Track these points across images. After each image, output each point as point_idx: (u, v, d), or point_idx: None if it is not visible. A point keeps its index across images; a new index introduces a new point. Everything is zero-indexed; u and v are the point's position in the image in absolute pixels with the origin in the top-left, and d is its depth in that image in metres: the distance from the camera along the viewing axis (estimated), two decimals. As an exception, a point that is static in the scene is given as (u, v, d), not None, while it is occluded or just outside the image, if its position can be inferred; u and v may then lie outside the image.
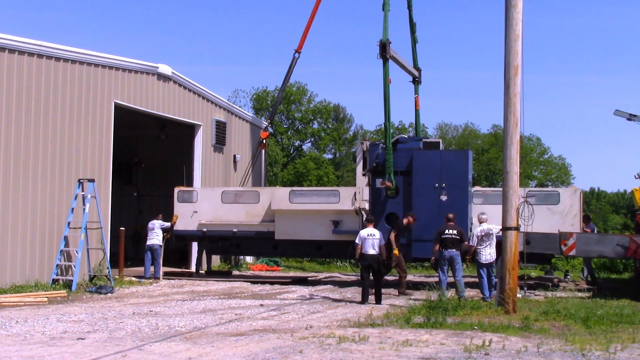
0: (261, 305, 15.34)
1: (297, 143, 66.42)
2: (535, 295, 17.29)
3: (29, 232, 18.03)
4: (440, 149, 20.39)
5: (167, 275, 22.43)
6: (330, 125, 66.87)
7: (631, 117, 22.05)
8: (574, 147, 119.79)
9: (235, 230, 21.25)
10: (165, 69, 23.26)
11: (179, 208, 21.76)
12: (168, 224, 21.63)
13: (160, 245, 21.35)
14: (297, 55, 25.26)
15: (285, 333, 11.18)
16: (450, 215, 16.63)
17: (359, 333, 11.00)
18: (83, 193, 19.17)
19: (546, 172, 70.51)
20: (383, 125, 20.01)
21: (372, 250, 15.87)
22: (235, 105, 29.50)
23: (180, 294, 17.58)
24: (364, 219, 17.28)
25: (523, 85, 14.03)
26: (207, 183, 25.77)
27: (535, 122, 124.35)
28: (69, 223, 18.87)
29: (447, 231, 16.21)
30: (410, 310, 13.68)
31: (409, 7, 24.09)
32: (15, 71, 17.74)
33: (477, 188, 20.33)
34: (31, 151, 18.16)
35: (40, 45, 18.24)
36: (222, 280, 21.46)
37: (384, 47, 19.56)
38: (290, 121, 65.70)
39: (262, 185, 26.31)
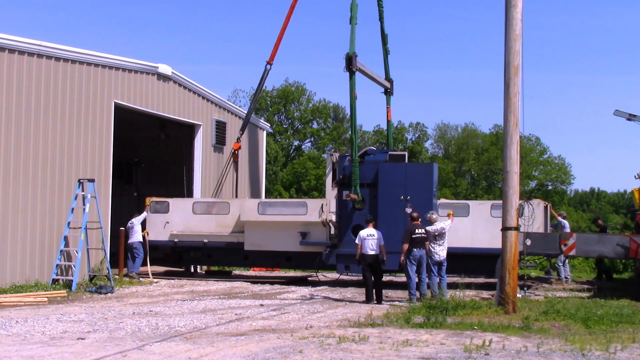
0: (261, 305, 15.35)
1: (296, 143, 66.47)
2: (535, 295, 17.29)
3: (29, 232, 18.02)
4: (406, 161, 20.46)
5: (166, 275, 22.44)
6: (329, 125, 66.91)
7: (631, 117, 22.08)
8: (574, 147, 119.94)
9: (205, 240, 21.35)
10: (165, 68, 23.25)
11: (151, 218, 21.81)
12: (144, 214, 21.65)
13: (141, 242, 21.27)
14: (268, 66, 25.18)
15: (285, 333, 11.19)
16: (415, 214, 16.66)
17: (359, 333, 11.01)
18: (83, 193, 19.15)
19: (546, 172, 70.50)
20: (350, 138, 20.14)
21: (371, 251, 16.01)
22: (235, 105, 29.47)
23: (180, 294, 17.58)
24: (364, 220, 17.32)
25: (523, 85, 14.05)
26: (207, 183, 25.76)
27: (535, 122, 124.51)
28: (69, 223, 18.85)
29: (416, 230, 16.20)
30: (410, 310, 13.69)
31: (381, 19, 24.13)
32: (15, 71, 17.73)
33: (442, 200, 20.51)
34: (31, 151, 18.15)
35: (40, 45, 18.23)
36: (222, 280, 21.47)
37: (350, 60, 19.54)
38: (289, 121, 65.74)
39: (235, 197, 25.97)
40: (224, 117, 26.99)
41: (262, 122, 31.11)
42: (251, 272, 25.45)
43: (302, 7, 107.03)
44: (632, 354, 9.67)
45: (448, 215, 17.03)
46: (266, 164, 32.34)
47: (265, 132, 30.77)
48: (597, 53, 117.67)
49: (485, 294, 17.25)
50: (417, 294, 16.03)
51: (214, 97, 26.38)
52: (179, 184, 25.64)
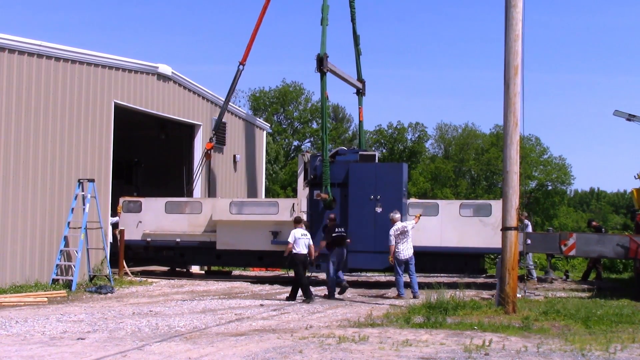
0: (261, 305, 15.35)
1: (296, 143, 66.42)
2: (535, 295, 17.30)
3: (29, 232, 18.02)
4: (376, 161, 20.67)
5: (165, 275, 22.45)
6: (329, 125, 66.89)
7: (631, 117, 22.08)
8: (574, 147, 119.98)
9: (178, 240, 21.42)
10: (165, 69, 23.26)
11: (124, 218, 21.80)
12: (117, 218, 21.67)
13: (110, 242, 21.18)
14: (241, 67, 25.17)
15: (285, 333, 11.19)
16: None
17: (359, 333, 11.01)
18: (83, 193, 19.16)
19: (546, 172, 70.46)
20: (320, 139, 20.41)
21: (305, 250, 16.55)
22: (234, 105, 29.45)
23: (180, 294, 17.58)
24: (294, 219, 17.61)
25: (523, 85, 14.05)
26: (207, 183, 25.74)
27: (535, 122, 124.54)
28: (69, 223, 18.86)
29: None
30: (410, 310, 13.68)
31: (353, 19, 24.16)
32: (15, 71, 17.73)
33: (412, 200, 20.76)
34: (31, 151, 18.15)
35: (40, 45, 18.23)
36: (222, 280, 21.50)
37: (321, 61, 19.74)
38: (289, 121, 65.71)
39: (208, 196, 25.84)
40: (224, 117, 26.95)
41: (262, 122, 31.10)
42: (251, 272, 25.46)
43: (303, 7, 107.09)
44: (632, 354, 9.67)
45: (415, 217, 17.46)
46: (266, 164, 32.28)
47: (265, 132, 30.75)
48: (597, 53, 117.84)
49: (485, 294, 17.26)
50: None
51: (214, 97, 26.37)
52: (179, 184, 25.62)
